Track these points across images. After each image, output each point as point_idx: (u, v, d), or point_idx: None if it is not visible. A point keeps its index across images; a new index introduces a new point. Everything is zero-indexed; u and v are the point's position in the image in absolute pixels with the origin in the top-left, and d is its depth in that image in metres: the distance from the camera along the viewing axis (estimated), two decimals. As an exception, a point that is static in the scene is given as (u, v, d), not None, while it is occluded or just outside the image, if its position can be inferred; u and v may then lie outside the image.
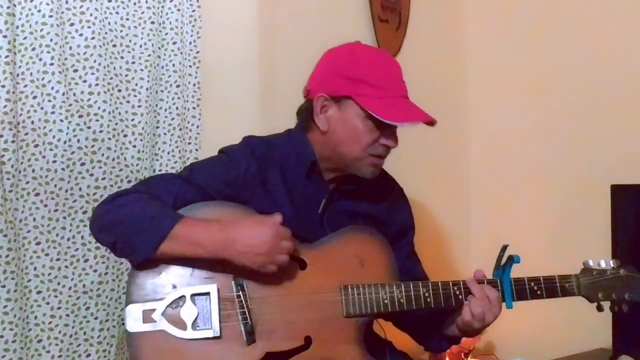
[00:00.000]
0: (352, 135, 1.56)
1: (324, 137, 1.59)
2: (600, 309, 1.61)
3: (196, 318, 1.47)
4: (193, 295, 1.47)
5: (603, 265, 1.62)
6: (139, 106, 1.99)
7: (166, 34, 2.04)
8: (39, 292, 1.81)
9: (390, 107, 1.53)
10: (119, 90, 1.96)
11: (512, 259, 1.57)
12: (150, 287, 1.47)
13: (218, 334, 1.46)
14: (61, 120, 1.84)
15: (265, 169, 1.58)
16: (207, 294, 1.48)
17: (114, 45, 1.95)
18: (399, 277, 1.59)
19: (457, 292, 1.55)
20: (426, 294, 1.54)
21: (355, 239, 1.60)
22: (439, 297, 1.55)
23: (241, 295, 1.47)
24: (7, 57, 1.75)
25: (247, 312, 1.47)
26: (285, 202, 1.58)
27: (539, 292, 1.58)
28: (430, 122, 1.56)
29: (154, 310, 1.46)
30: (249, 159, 1.57)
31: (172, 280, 1.48)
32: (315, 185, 1.63)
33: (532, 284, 1.58)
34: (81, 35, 1.88)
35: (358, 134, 1.55)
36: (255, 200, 1.56)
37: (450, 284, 1.56)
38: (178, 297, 1.47)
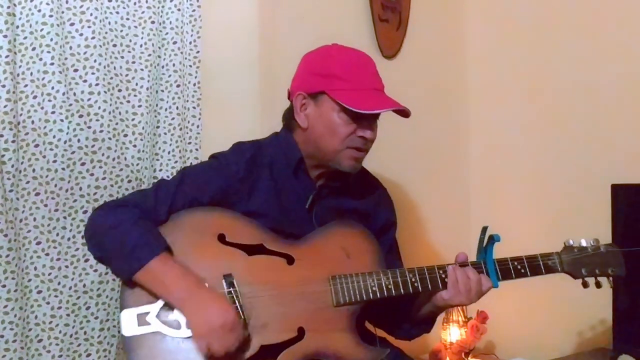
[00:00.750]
0: (329, 128, 1.61)
1: (306, 134, 1.65)
2: (585, 285, 1.64)
3: None
4: None
5: (584, 243, 1.66)
6: (139, 106, 1.99)
7: (166, 33, 2.04)
8: (39, 292, 1.81)
9: (362, 98, 1.59)
10: (119, 90, 1.96)
11: (492, 239, 1.61)
12: (142, 291, 1.50)
13: None
14: (61, 120, 1.84)
15: (255, 171, 1.63)
16: None
17: (114, 45, 1.95)
18: (385, 265, 1.63)
19: (443, 276, 1.59)
20: (413, 279, 1.58)
21: (340, 232, 1.64)
22: (426, 282, 1.59)
23: (232, 291, 1.49)
24: (7, 56, 1.75)
25: (239, 308, 1.48)
26: (274, 201, 1.63)
27: (522, 271, 1.62)
28: (404, 112, 1.61)
29: (147, 313, 1.48)
30: (239, 162, 1.62)
31: None
32: (303, 183, 1.68)
33: (516, 263, 1.62)
34: (81, 35, 1.88)
35: (334, 127, 1.61)
36: (245, 202, 1.61)
37: (436, 268, 1.60)
38: None
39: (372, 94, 1.62)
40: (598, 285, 1.65)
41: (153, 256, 1.47)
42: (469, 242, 2.77)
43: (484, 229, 1.62)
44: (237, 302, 1.48)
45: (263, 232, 1.59)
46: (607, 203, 2.26)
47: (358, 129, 1.61)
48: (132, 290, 1.50)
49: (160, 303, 1.49)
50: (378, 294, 1.57)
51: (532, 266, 1.62)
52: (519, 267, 1.61)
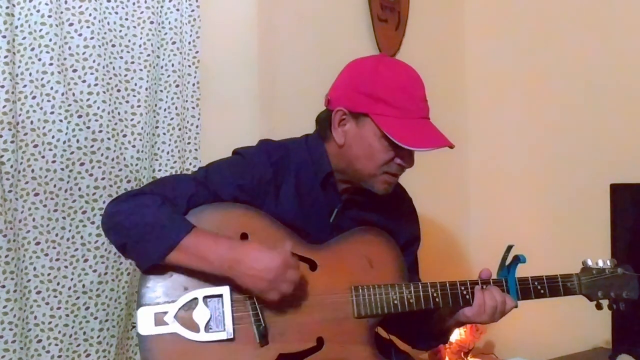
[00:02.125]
0: (368, 152, 1.55)
1: (340, 150, 1.59)
2: (599, 307, 1.65)
3: (209, 320, 1.46)
4: (205, 297, 1.47)
5: (601, 264, 1.66)
6: (139, 106, 1.99)
7: (165, 33, 2.04)
8: (38, 292, 1.81)
9: (408, 129, 1.52)
10: (118, 90, 1.96)
11: (517, 259, 1.59)
12: (161, 289, 1.47)
13: (231, 336, 1.46)
14: (60, 121, 1.84)
15: (281, 176, 1.58)
16: (220, 295, 1.47)
17: (113, 45, 1.95)
18: (407, 278, 1.60)
19: (465, 292, 1.56)
20: (435, 294, 1.55)
21: (364, 240, 1.61)
22: (447, 297, 1.56)
23: (253, 296, 1.47)
24: (6, 57, 1.75)
25: (259, 314, 1.46)
26: (296, 209, 1.59)
27: (542, 291, 1.60)
28: (448, 147, 1.55)
29: (166, 312, 1.45)
30: (265, 164, 1.57)
31: (184, 283, 1.47)
32: (329, 195, 1.63)
33: (536, 283, 1.60)
34: (80, 35, 1.88)
35: (373, 152, 1.55)
36: (268, 205, 1.56)
37: (458, 284, 1.57)
38: (190, 299, 1.47)
39: (418, 125, 1.54)
40: (610, 307, 1.65)
41: (186, 232, 1.42)
42: (469, 242, 2.78)
43: (509, 248, 1.60)
44: (257, 308, 1.46)
45: (287, 233, 1.54)
46: (606, 202, 2.27)
47: (397, 157, 1.55)
48: (150, 288, 1.47)
49: (179, 303, 1.45)
50: (399, 308, 1.53)
51: (552, 287, 1.60)
52: (539, 287, 1.60)
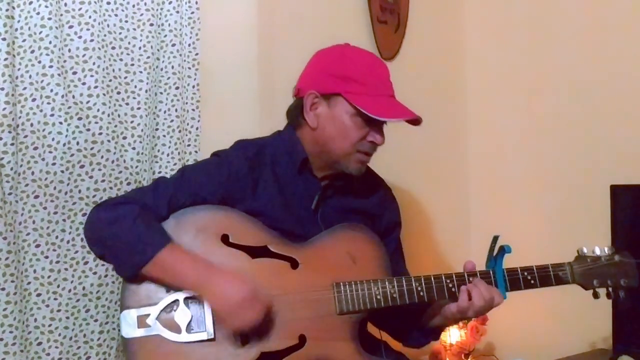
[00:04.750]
0: (341, 131, 1.59)
1: (314, 134, 1.62)
2: (596, 295, 1.61)
3: (190, 321, 1.48)
4: (186, 299, 1.49)
5: (597, 252, 1.62)
6: (138, 108, 1.99)
7: (165, 36, 2.04)
8: (38, 295, 1.80)
9: (379, 104, 1.57)
10: (118, 93, 1.96)
11: (503, 250, 1.58)
12: (144, 292, 1.49)
13: (212, 336, 1.47)
14: (60, 123, 1.83)
15: (257, 169, 1.61)
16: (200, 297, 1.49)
17: (113, 48, 1.95)
18: (391, 273, 1.61)
19: (450, 285, 1.56)
20: (419, 288, 1.55)
21: (347, 236, 1.62)
22: (432, 291, 1.56)
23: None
24: (6, 59, 1.75)
25: None
26: (277, 200, 1.61)
27: (532, 282, 1.59)
28: (416, 121, 1.60)
29: (148, 315, 1.47)
30: (241, 160, 1.60)
31: (165, 285, 1.50)
32: (307, 182, 1.66)
33: (526, 273, 1.59)
34: (80, 37, 1.88)
35: (347, 130, 1.59)
36: (248, 200, 1.59)
37: (443, 277, 1.57)
38: (172, 301, 1.49)
39: (387, 101, 1.60)
40: (609, 296, 1.62)
41: (161, 247, 1.45)
42: (468, 242, 2.78)
43: (495, 238, 1.59)
44: None
45: (268, 233, 1.56)
46: (607, 204, 2.27)
47: (369, 134, 1.59)
48: (132, 291, 1.49)
49: (161, 305, 1.47)
50: (382, 303, 1.54)
51: (542, 277, 1.59)
52: (528, 277, 1.58)
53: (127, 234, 1.46)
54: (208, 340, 1.47)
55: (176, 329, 1.47)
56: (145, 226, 1.48)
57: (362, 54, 1.66)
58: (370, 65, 1.63)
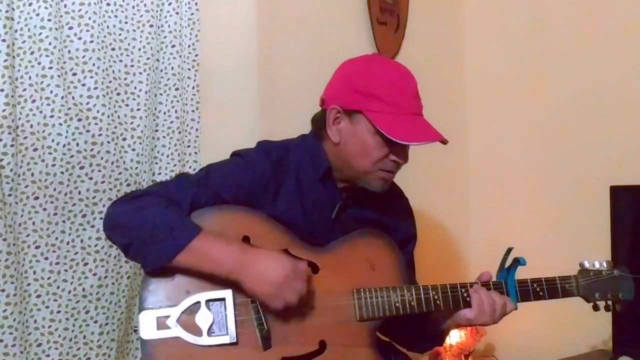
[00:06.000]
0: (362, 149, 1.57)
1: (336, 149, 1.61)
2: (596, 308, 1.67)
3: (212, 324, 1.45)
4: (208, 301, 1.46)
5: (597, 266, 1.68)
6: (138, 109, 1.99)
7: (165, 37, 2.04)
8: (38, 296, 1.80)
9: (401, 125, 1.53)
10: (118, 94, 1.96)
11: (517, 262, 1.60)
12: (163, 293, 1.46)
13: (234, 340, 1.45)
14: (60, 124, 1.83)
15: (281, 174, 1.59)
16: (222, 299, 1.46)
17: (113, 49, 1.95)
18: (408, 281, 1.61)
19: (465, 295, 1.57)
20: (436, 297, 1.56)
21: (366, 242, 1.61)
22: (448, 300, 1.57)
23: (256, 300, 1.47)
24: (5, 60, 1.75)
25: (262, 318, 1.46)
26: (298, 207, 1.60)
27: (541, 293, 1.62)
28: (442, 142, 1.56)
29: (168, 316, 1.44)
30: (265, 163, 1.58)
31: (186, 286, 1.46)
32: (329, 191, 1.64)
33: (535, 285, 1.62)
34: (80, 38, 1.88)
35: (368, 148, 1.56)
36: (269, 205, 1.57)
37: (458, 286, 1.58)
38: (193, 303, 1.46)
39: (411, 121, 1.56)
40: (608, 308, 1.67)
41: (194, 236, 1.42)
42: (468, 243, 2.78)
43: (509, 250, 1.62)
44: (260, 311, 1.46)
45: (289, 237, 1.55)
46: (606, 204, 2.27)
47: (391, 153, 1.56)
48: (151, 291, 1.46)
49: (181, 307, 1.45)
50: (401, 310, 1.54)
51: (550, 289, 1.62)
52: (537, 289, 1.62)
53: (158, 221, 1.42)
54: (230, 344, 1.45)
55: (197, 331, 1.44)
56: (175, 215, 1.44)
57: (389, 69, 1.61)
58: (396, 82, 1.57)
